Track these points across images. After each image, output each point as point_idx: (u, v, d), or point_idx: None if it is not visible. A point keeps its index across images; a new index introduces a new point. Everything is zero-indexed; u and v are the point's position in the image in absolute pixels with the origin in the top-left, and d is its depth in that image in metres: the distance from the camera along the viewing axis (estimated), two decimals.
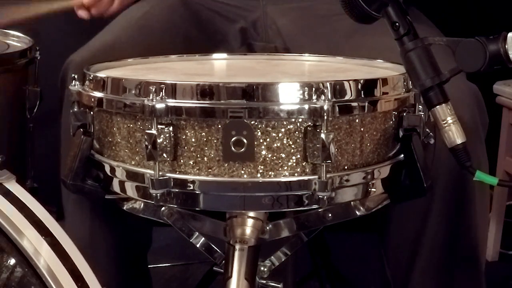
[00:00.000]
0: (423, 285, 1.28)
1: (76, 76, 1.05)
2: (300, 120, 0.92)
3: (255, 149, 0.92)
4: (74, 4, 1.46)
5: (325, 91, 0.91)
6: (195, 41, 1.44)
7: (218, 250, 1.08)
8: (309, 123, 0.92)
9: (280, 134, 0.92)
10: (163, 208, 1.00)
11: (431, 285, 1.28)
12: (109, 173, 1.01)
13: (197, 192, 0.94)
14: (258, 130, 0.92)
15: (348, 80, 0.94)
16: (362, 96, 0.95)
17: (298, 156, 0.93)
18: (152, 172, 0.94)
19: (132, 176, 0.98)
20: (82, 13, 1.47)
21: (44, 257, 0.93)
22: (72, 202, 1.32)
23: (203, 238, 1.08)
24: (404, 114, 1.00)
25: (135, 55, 1.21)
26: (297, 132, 0.92)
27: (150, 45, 1.33)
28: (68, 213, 1.33)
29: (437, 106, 0.90)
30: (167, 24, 1.46)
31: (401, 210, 1.27)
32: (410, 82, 0.99)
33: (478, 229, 1.27)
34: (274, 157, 0.92)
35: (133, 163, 0.98)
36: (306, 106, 0.91)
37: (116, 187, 1.01)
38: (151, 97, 0.92)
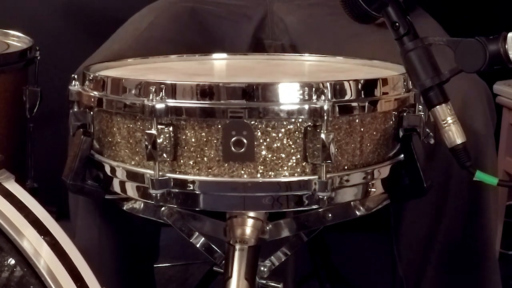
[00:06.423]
0: (437, 283, 1.28)
1: (76, 76, 1.05)
2: (300, 120, 0.92)
3: (255, 149, 0.91)
4: None
5: (325, 91, 0.91)
6: (200, 49, 1.44)
7: (218, 250, 1.08)
8: (309, 123, 0.92)
9: (280, 134, 0.92)
10: (163, 208, 1.00)
11: (445, 283, 1.28)
12: (109, 173, 1.01)
13: (197, 192, 0.94)
14: (258, 130, 0.91)
15: (348, 80, 0.94)
16: (362, 96, 0.95)
17: (298, 156, 0.93)
18: (152, 172, 0.94)
19: (132, 176, 0.98)
20: None
21: (43, 257, 0.93)
22: (81, 208, 1.32)
23: (203, 238, 1.08)
24: (404, 114, 1.00)
25: None
26: (297, 132, 0.92)
27: (155, 56, 1.32)
28: (78, 218, 1.33)
29: (437, 106, 0.90)
30: (171, 34, 1.45)
31: (415, 208, 1.27)
32: (410, 82, 0.99)
33: (491, 227, 1.27)
34: (274, 157, 0.92)
35: (133, 163, 0.98)
36: (306, 106, 0.91)
37: (116, 187, 1.01)
38: (151, 97, 0.91)
